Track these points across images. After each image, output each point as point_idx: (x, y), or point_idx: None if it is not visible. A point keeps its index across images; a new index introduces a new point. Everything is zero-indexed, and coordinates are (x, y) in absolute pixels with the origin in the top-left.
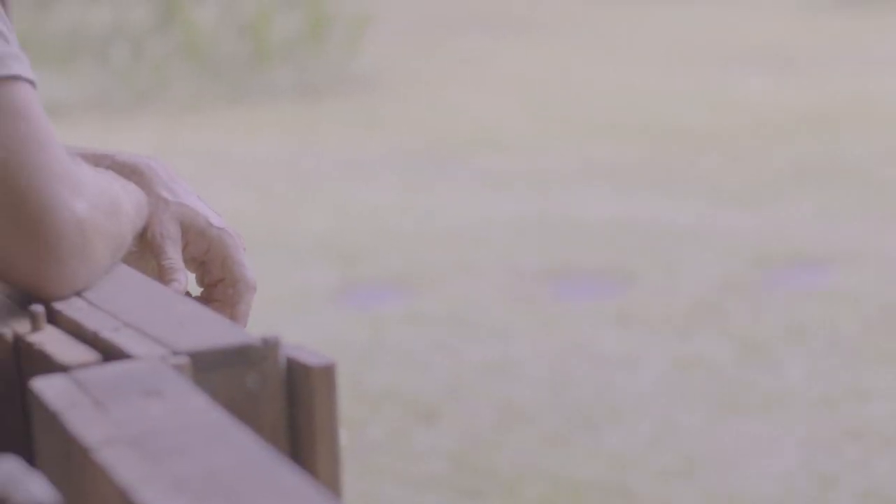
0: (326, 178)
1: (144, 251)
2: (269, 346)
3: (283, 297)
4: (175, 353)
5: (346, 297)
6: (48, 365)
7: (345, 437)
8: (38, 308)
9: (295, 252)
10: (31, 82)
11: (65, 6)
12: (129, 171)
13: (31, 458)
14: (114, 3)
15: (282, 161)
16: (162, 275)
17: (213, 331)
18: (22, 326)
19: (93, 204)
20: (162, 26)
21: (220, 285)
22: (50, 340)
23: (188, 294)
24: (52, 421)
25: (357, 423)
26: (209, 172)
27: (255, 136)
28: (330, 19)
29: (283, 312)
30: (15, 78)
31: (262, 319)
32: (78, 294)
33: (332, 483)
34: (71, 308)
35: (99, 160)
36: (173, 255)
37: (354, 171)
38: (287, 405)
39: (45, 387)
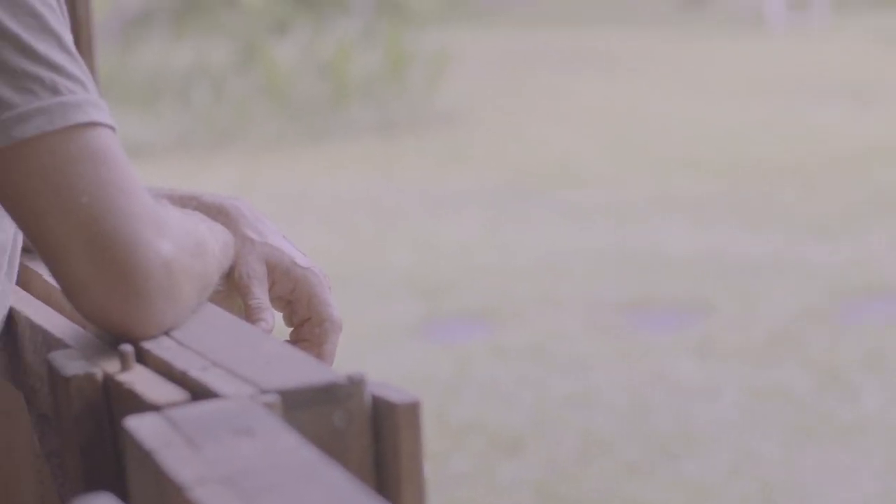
0: (408, 213)
1: (231, 291)
2: (354, 384)
3: (368, 332)
4: (263, 391)
5: (430, 330)
6: (138, 404)
7: (429, 470)
8: (128, 348)
9: (379, 287)
10: (112, 127)
11: (147, 47)
12: (215, 211)
13: (123, 495)
14: (195, 43)
15: (364, 198)
16: (249, 314)
17: (300, 369)
18: (112, 366)
19: (178, 244)
20: (243, 66)
21: (306, 324)
22: (139, 380)
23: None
24: (146, 459)
25: (441, 456)
26: (292, 210)
27: (336, 173)
28: (409, 57)
29: (369, 346)
30: (95, 124)
31: (348, 354)
32: (166, 333)
33: None
34: (159, 347)
35: (185, 201)
36: (260, 294)
37: (436, 206)
38: (373, 441)
39: (139, 426)
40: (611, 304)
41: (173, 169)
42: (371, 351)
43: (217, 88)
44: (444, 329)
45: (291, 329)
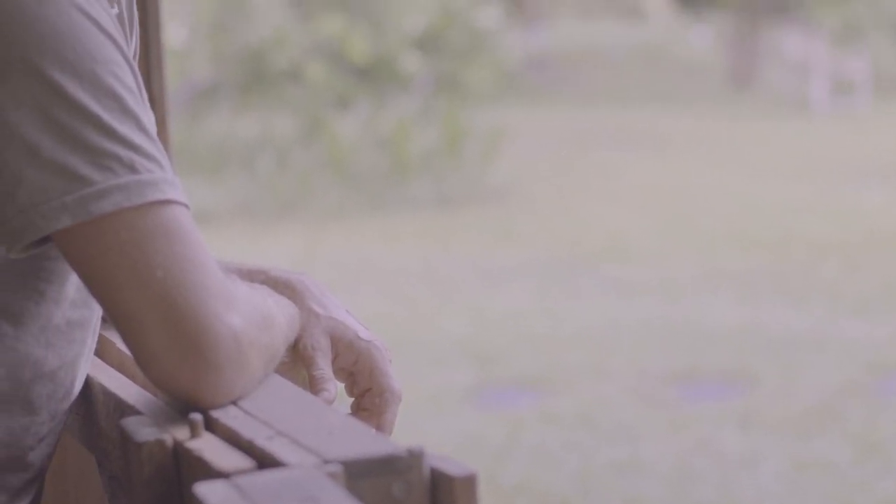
0: (463, 284)
1: (296, 362)
2: (414, 457)
3: (424, 397)
4: (327, 461)
5: (483, 397)
6: (206, 471)
7: None
8: (197, 416)
9: (435, 354)
10: (185, 205)
11: (215, 118)
12: (282, 286)
13: None
14: (261, 115)
15: (420, 268)
16: (313, 385)
17: (362, 441)
18: (181, 433)
19: (247, 318)
20: (306, 139)
21: (367, 394)
22: (208, 447)
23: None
24: None
25: None
26: (352, 279)
27: (394, 244)
28: (466, 133)
29: (425, 412)
30: (170, 202)
31: (405, 419)
32: (234, 403)
33: None
34: (227, 416)
35: (253, 275)
36: (323, 366)
37: (489, 277)
38: None
39: (209, 492)
40: (657, 374)
41: (238, 236)
42: (427, 416)
43: (281, 159)
44: (496, 395)
45: (353, 399)
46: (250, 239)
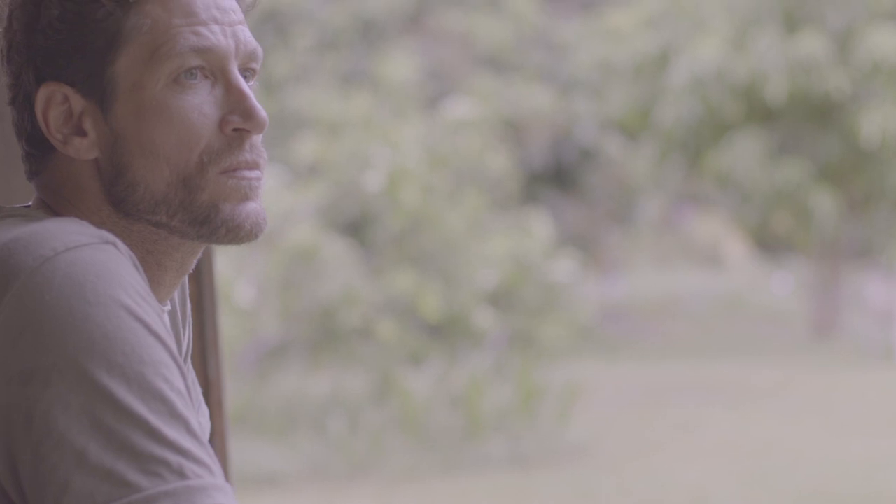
0: None
1: None
2: None
3: None
4: None
5: None
6: None
7: None
8: None
9: None
10: None
11: (284, 377)
12: None
13: None
14: (331, 373)
15: None
16: None
17: None
18: None
19: None
20: (378, 398)
21: None
22: None
23: None
24: None
25: None
26: None
27: None
28: (540, 390)
29: None
30: None
31: None
32: None
33: None
34: None
35: None
36: None
37: None
38: None
39: None
40: None
41: (308, 499)
42: None
43: (352, 418)
44: None
45: None
46: (321, 502)
